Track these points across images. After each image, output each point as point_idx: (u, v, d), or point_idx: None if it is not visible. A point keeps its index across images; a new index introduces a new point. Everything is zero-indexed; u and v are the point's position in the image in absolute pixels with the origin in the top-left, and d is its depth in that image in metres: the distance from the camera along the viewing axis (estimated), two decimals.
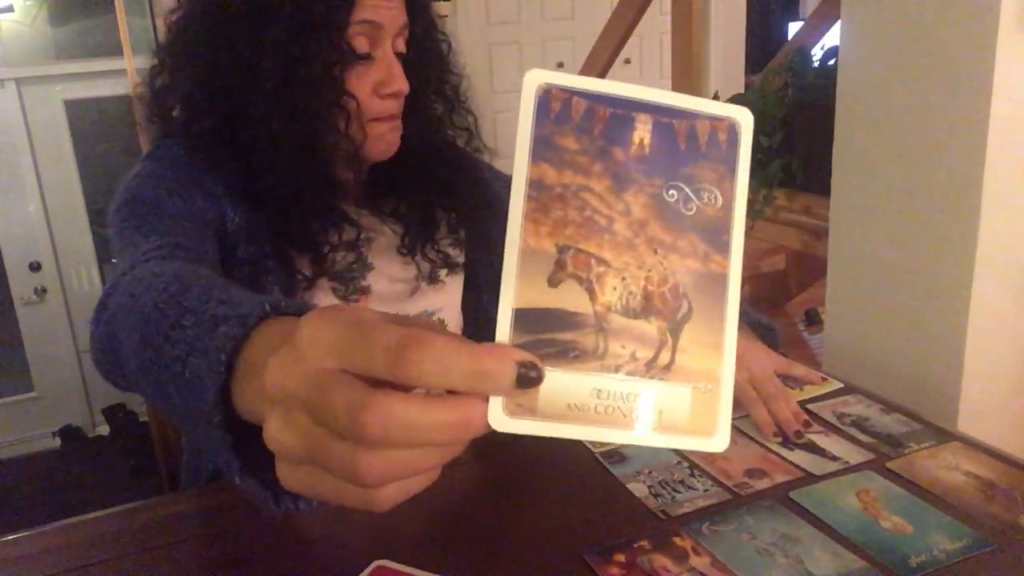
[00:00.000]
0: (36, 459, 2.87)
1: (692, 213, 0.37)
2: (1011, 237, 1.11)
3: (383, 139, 0.93)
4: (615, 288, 0.36)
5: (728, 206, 0.37)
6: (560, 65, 4.24)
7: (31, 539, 0.78)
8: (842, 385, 1.03)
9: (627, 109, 0.37)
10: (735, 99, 2.30)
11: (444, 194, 1.04)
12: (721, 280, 0.37)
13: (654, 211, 0.37)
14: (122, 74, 2.59)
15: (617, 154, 0.37)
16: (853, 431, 0.92)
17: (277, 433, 0.35)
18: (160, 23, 2.50)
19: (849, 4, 1.25)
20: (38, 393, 2.94)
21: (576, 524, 0.76)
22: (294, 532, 0.75)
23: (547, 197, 0.36)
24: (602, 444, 0.89)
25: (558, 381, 0.35)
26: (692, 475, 0.83)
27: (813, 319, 2.55)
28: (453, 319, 1.07)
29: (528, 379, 0.33)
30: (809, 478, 0.82)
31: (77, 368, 2.96)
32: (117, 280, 0.66)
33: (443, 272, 1.05)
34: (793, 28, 4.63)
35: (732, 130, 0.38)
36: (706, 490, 0.81)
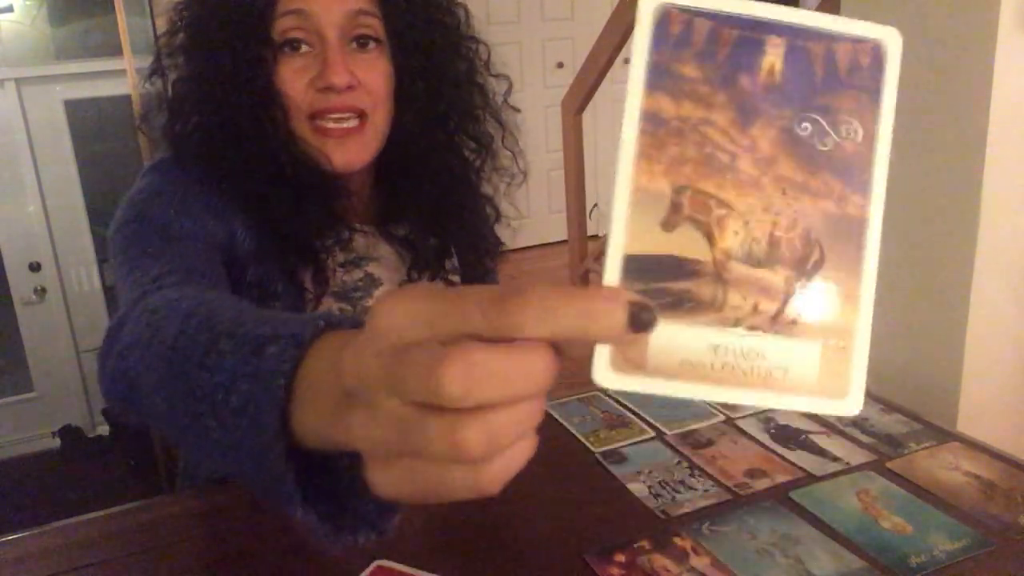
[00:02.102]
0: (36, 459, 2.86)
1: (828, 148, 0.33)
2: (1011, 237, 1.11)
3: (328, 142, 0.85)
4: (737, 233, 0.33)
5: (870, 140, 0.34)
6: (560, 65, 4.24)
7: (31, 539, 0.78)
8: None
9: (757, 31, 0.33)
10: None
11: (446, 225, 0.97)
12: (859, 224, 0.33)
13: (784, 147, 0.33)
14: (122, 74, 2.59)
15: (744, 82, 0.33)
16: (853, 431, 0.92)
17: (364, 428, 0.31)
18: (160, 23, 2.50)
19: (849, 4, 1.25)
20: (38, 393, 2.94)
21: (576, 524, 0.76)
22: (294, 532, 0.75)
23: (663, 132, 0.32)
24: (603, 444, 0.89)
25: (671, 334, 0.32)
26: (692, 475, 0.83)
27: None
28: None
29: (642, 321, 0.30)
30: (809, 478, 0.82)
31: (77, 368, 2.96)
32: (128, 310, 0.61)
33: None
34: None
35: (876, 53, 0.34)
36: (706, 490, 0.81)
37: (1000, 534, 0.72)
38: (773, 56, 0.33)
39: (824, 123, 0.33)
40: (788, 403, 0.33)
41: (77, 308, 2.93)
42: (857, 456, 0.86)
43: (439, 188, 0.94)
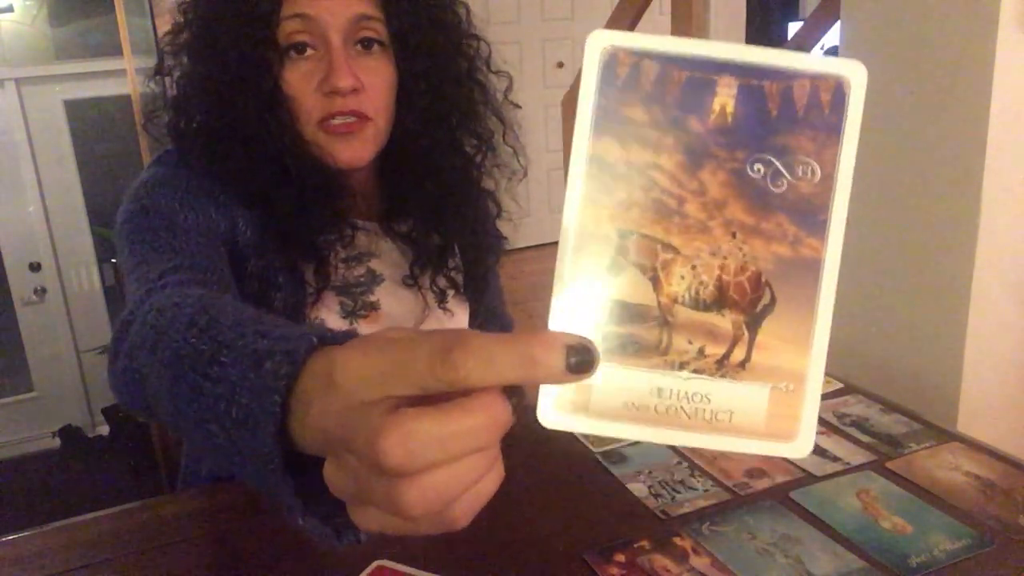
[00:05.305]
0: (36, 459, 2.86)
1: (782, 190, 0.33)
2: (1011, 237, 1.11)
3: (334, 139, 0.86)
4: (683, 278, 0.33)
5: (828, 180, 0.33)
6: (560, 65, 4.24)
7: (31, 539, 0.78)
8: (842, 385, 1.03)
9: (707, 71, 0.32)
10: None
11: (448, 222, 0.97)
12: (814, 266, 0.33)
13: (735, 189, 0.33)
14: (122, 74, 2.59)
15: (693, 124, 0.33)
16: (853, 431, 0.92)
17: (332, 477, 0.34)
18: (160, 23, 2.50)
19: (849, 4, 1.25)
20: (38, 393, 2.94)
21: (576, 524, 0.76)
22: (294, 532, 0.75)
23: (609, 176, 0.32)
24: (603, 443, 0.89)
25: (615, 377, 0.32)
26: (692, 475, 0.83)
27: None
28: None
29: (581, 364, 0.30)
30: (809, 478, 0.82)
31: (77, 368, 2.96)
32: (134, 309, 0.62)
33: (451, 293, 1.00)
34: (793, 28, 4.63)
35: (839, 89, 0.32)
36: (706, 490, 0.81)
37: (1000, 534, 0.72)
38: (724, 96, 0.33)
39: (778, 164, 0.33)
40: (733, 445, 0.33)
41: (77, 308, 2.93)
42: (857, 456, 0.86)
43: (441, 186, 0.95)
